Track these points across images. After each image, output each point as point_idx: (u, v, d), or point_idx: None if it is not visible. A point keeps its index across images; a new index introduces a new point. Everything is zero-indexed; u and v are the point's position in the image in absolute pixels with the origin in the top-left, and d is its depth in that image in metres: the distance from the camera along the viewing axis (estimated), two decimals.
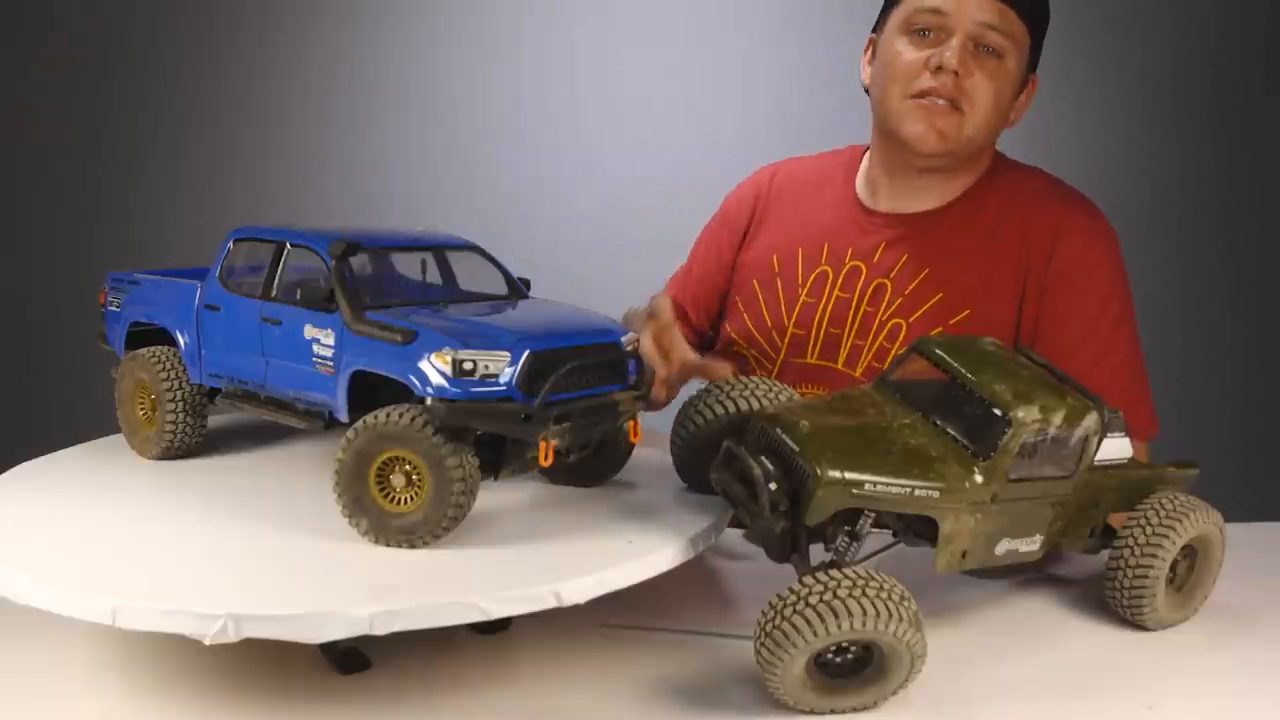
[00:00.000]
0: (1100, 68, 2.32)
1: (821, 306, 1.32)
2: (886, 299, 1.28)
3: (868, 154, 1.39)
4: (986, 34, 1.20)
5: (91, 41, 2.61)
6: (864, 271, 1.30)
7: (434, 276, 1.00)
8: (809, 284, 1.34)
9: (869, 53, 1.33)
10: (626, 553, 0.80)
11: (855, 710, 0.78)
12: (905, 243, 1.29)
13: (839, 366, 1.30)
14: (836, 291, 1.31)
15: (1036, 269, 1.24)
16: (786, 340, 1.34)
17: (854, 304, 1.30)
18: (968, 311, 1.24)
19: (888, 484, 0.78)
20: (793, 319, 1.34)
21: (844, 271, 1.32)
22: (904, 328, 1.26)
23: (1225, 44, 2.43)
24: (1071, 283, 1.24)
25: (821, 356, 1.31)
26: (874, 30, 1.33)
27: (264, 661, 0.83)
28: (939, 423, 0.83)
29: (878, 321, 1.28)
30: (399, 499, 0.81)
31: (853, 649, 0.76)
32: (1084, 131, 2.32)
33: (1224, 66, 2.43)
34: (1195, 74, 2.43)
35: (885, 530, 0.84)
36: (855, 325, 1.30)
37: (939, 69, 1.20)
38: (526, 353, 0.80)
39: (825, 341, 1.31)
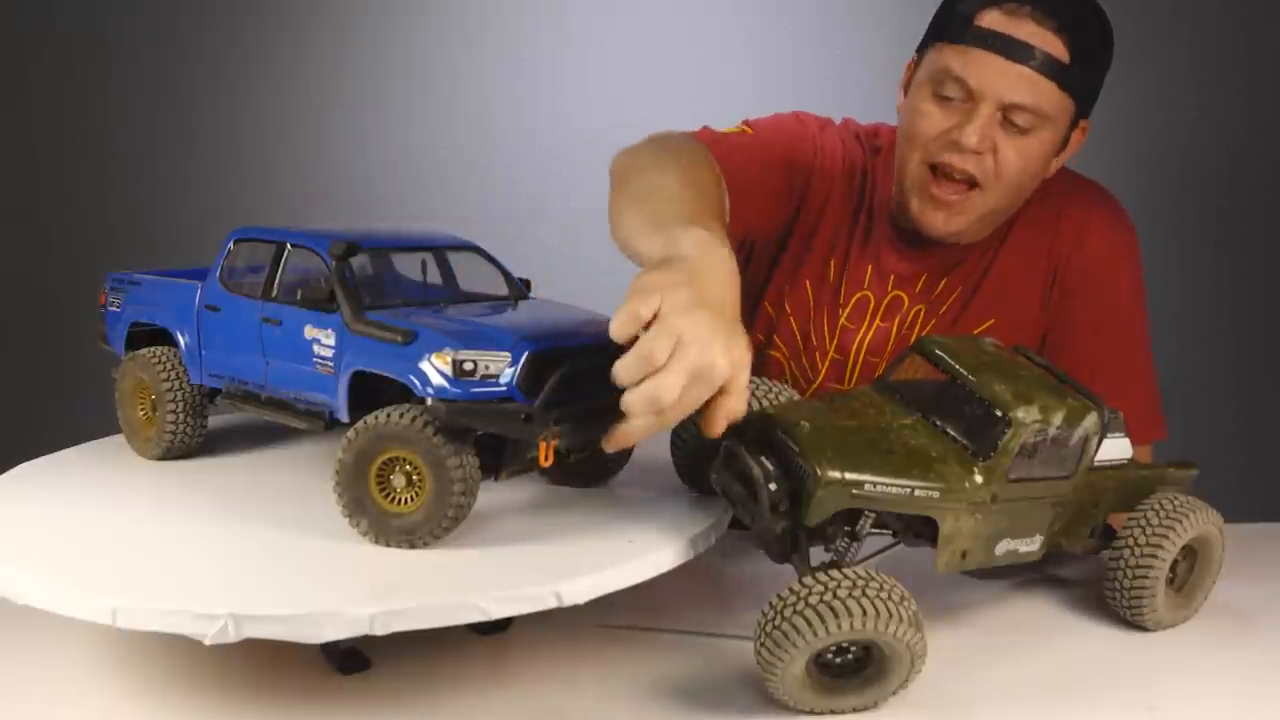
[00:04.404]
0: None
1: (861, 334, 1.29)
2: (921, 321, 1.27)
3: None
4: (1015, 113, 1.10)
5: (92, 41, 2.61)
6: (906, 301, 1.27)
7: (434, 277, 1.00)
8: (850, 306, 1.29)
9: (908, 76, 1.24)
10: (626, 553, 0.80)
11: (855, 710, 0.78)
12: (944, 270, 1.27)
13: None
14: (878, 320, 1.28)
15: (1062, 267, 1.24)
16: (826, 364, 1.31)
17: (893, 333, 1.28)
18: (992, 320, 1.25)
19: (888, 484, 0.78)
20: (834, 343, 1.30)
21: (886, 300, 1.28)
22: None
23: (1233, 44, 2.43)
24: (1092, 283, 1.24)
25: (860, 383, 1.29)
26: (918, 51, 1.22)
27: (264, 661, 0.83)
28: (939, 423, 0.83)
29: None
30: (399, 499, 0.81)
31: (853, 649, 0.76)
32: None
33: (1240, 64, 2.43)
34: (1205, 70, 2.43)
35: (885, 531, 0.84)
36: (891, 351, 1.28)
37: (958, 145, 1.12)
38: (527, 353, 0.80)
39: (864, 368, 1.29)
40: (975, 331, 1.24)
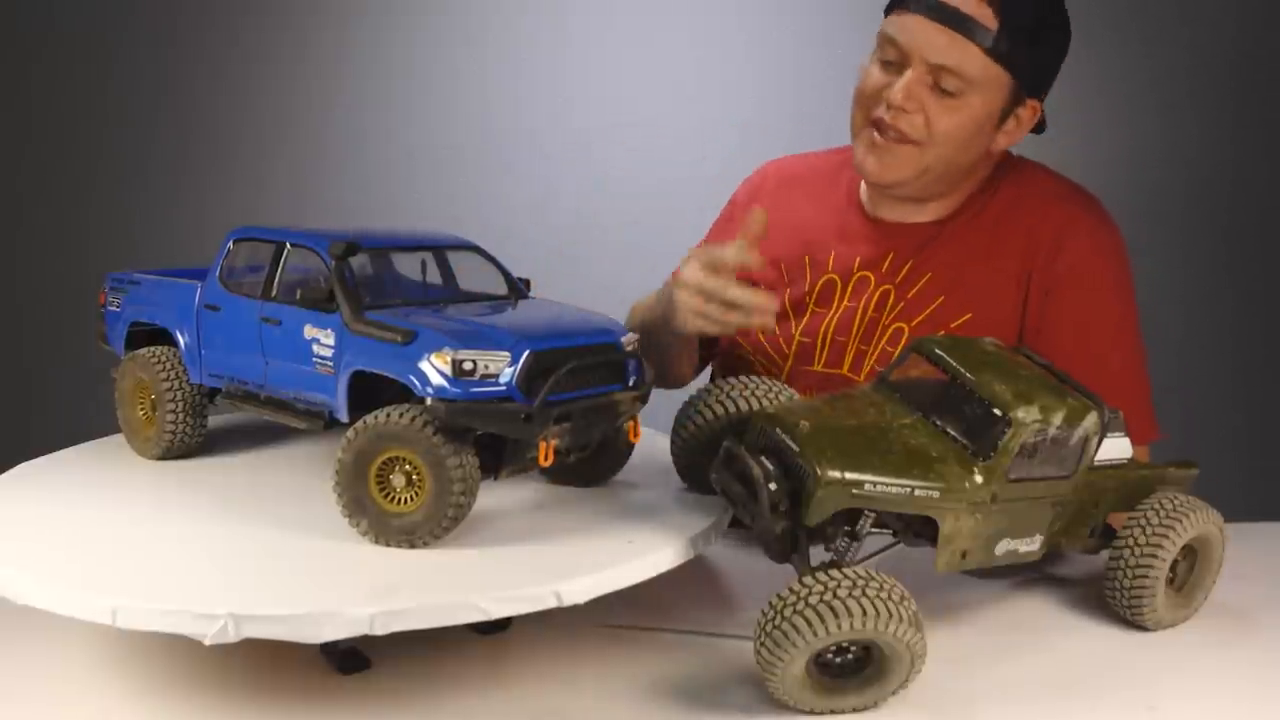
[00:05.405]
0: (1104, 64, 2.32)
1: (829, 316, 1.31)
2: (890, 303, 1.28)
3: None
4: (941, 75, 1.16)
5: (92, 41, 2.61)
6: (872, 281, 1.29)
7: (434, 277, 1.00)
8: (817, 292, 1.33)
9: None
10: (627, 552, 0.80)
11: (855, 710, 0.78)
12: (911, 251, 1.28)
13: (844, 372, 1.29)
14: (845, 301, 1.30)
15: (1041, 269, 1.24)
16: (794, 349, 1.33)
17: (860, 311, 1.29)
18: (969, 315, 1.24)
19: (888, 484, 0.78)
20: (800, 328, 1.33)
21: (853, 281, 1.30)
22: (906, 332, 1.25)
23: (1234, 44, 2.43)
24: (1076, 284, 1.23)
25: (827, 365, 1.31)
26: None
27: (264, 661, 0.83)
28: (939, 423, 0.83)
29: (880, 326, 1.28)
30: (399, 499, 0.81)
31: (853, 649, 0.77)
32: (1084, 126, 2.32)
33: (1237, 64, 2.43)
34: (1205, 72, 2.43)
35: (885, 531, 0.84)
36: (860, 331, 1.29)
37: (889, 102, 1.18)
38: (526, 353, 0.80)
39: (831, 349, 1.31)
40: (953, 326, 1.24)
